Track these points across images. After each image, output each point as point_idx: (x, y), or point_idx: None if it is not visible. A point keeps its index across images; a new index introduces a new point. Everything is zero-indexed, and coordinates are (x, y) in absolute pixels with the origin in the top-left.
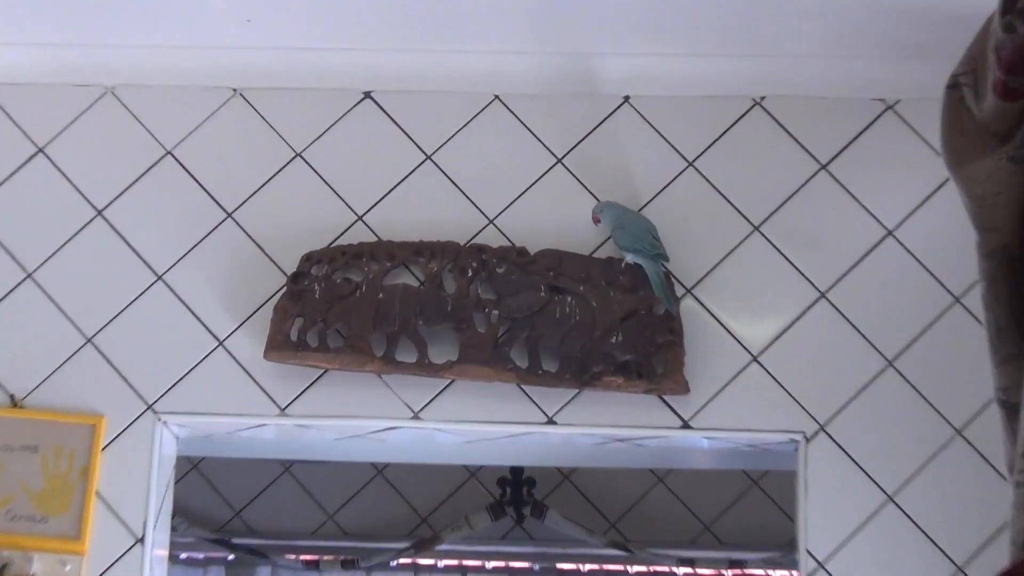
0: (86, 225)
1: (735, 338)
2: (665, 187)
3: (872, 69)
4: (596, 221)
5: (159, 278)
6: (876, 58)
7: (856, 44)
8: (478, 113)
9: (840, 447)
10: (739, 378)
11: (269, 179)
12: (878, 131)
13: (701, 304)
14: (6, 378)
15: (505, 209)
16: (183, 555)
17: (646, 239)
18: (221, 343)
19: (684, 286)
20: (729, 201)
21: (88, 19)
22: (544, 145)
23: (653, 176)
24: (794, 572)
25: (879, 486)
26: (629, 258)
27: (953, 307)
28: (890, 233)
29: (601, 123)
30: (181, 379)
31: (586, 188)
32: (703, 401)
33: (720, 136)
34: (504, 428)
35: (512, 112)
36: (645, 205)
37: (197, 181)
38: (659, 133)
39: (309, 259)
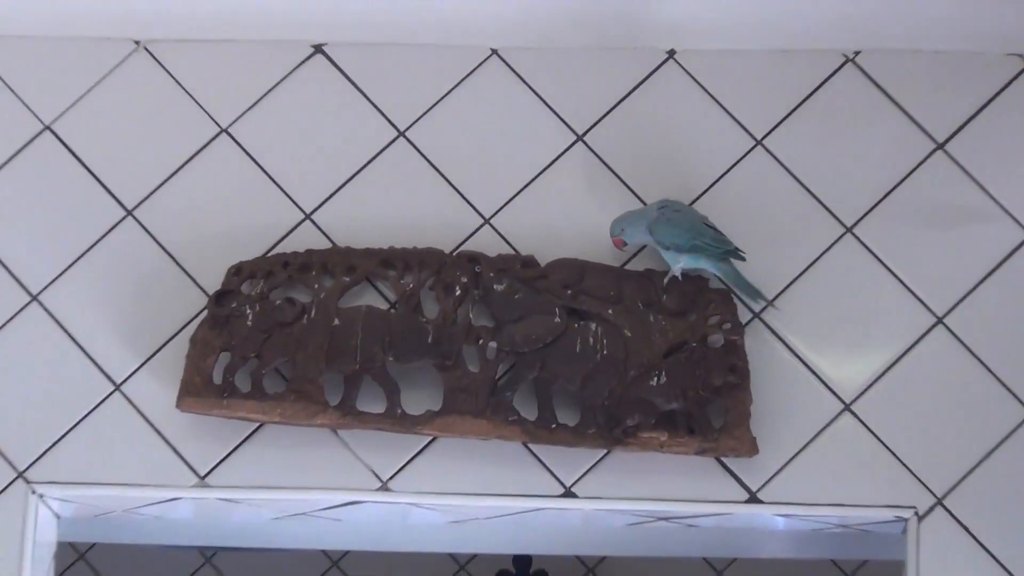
0: None
1: (820, 379)
2: (723, 175)
3: (1005, 15)
4: (620, 245)
5: (33, 299)
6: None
7: None
8: (469, 74)
9: (964, 527)
10: (826, 434)
11: (184, 164)
12: (1013, 97)
13: (774, 333)
14: None
15: (506, 204)
16: None
17: (705, 232)
18: (117, 387)
19: (750, 309)
20: (811, 193)
21: None
22: (559, 118)
23: (707, 159)
24: None
25: None
26: (680, 266)
27: None
28: None
29: (636, 88)
30: (63, 437)
31: (616, 176)
32: (777, 466)
33: (799, 105)
34: (505, 503)
35: (515, 72)
36: (696, 199)
37: (85, 166)
38: (716, 101)
39: (239, 273)
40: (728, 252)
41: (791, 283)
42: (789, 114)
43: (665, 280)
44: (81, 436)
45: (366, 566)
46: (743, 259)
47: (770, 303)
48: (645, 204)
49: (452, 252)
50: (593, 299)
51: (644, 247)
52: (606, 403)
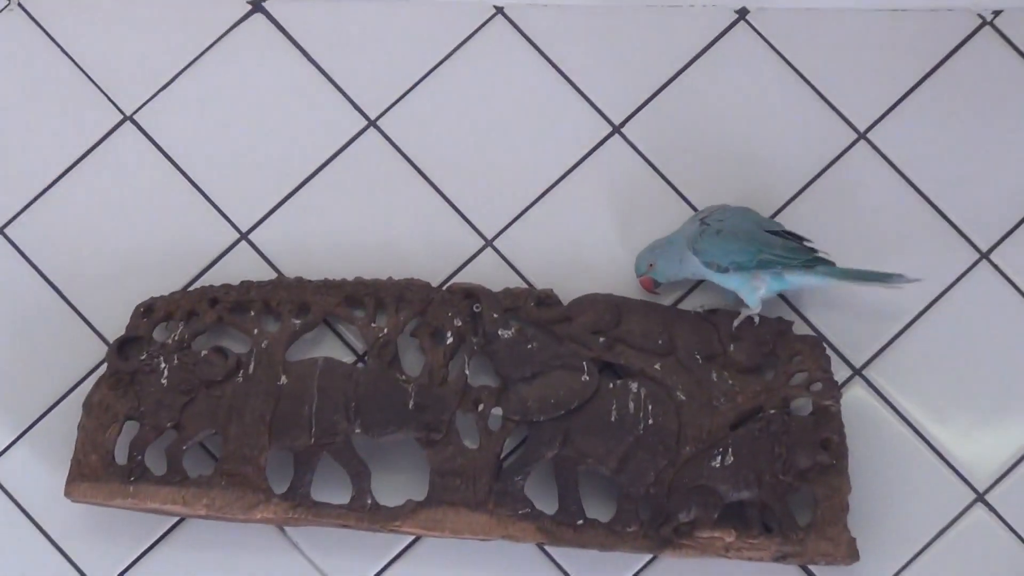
0: None
1: (943, 459)
2: (814, 179)
3: None
4: (651, 287)
5: None
6: None
7: None
8: (464, 41)
9: None
10: (951, 534)
11: (72, 165)
12: None
13: (878, 395)
14: None
15: (515, 220)
16: None
17: (771, 242)
18: None
19: (849, 363)
20: (934, 207)
21: None
22: (588, 102)
23: (790, 159)
24: None
25: None
26: (760, 294)
27: None
28: None
29: (695, 60)
30: None
31: (666, 180)
32: None
33: (919, 83)
34: None
35: (527, 39)
36: (777, 213)
37: None
38: (802, 77)
39: (149, 313)
40: (811, 260)
41: (907, 327)
42: (903, 97)
43: (736, 323)
44: None
45: None
46: (832, 266)
47: (911, 280)
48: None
49: (442, 285)
50: (634, 350)
51: (699, 282)
52: (652, 491)
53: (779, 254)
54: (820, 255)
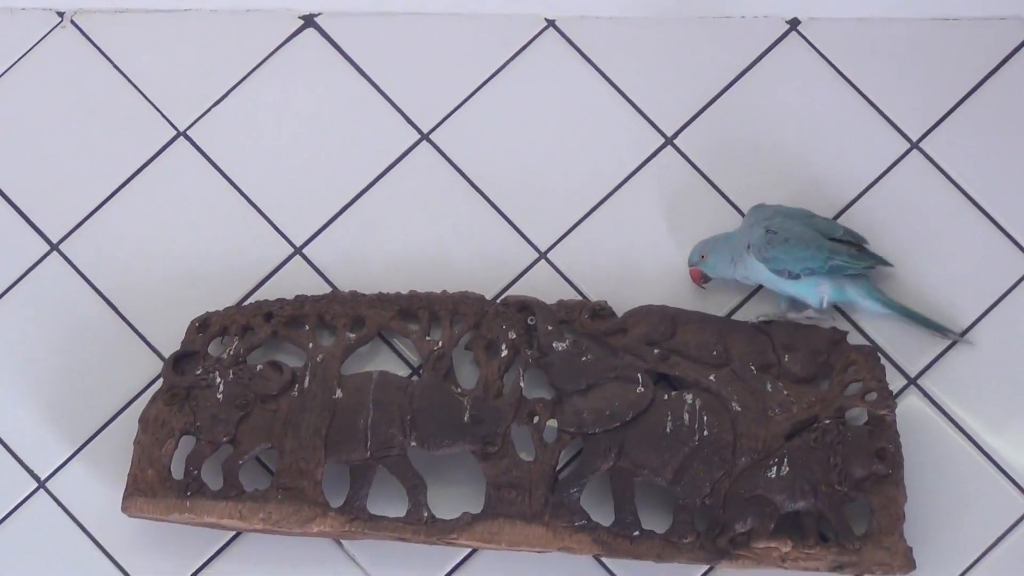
0: None
1: (1000, 468)
2: (867, 189)
3: None
4: (699, 279)
5: None
6: None
7: None
8: (517, 53)
9: None
10: (1007, 543)
11: (130, 179)
12: None
13: (934, 404)
14: None
15: (568, 232)
16: None
17: (838, 249)
18: (42, 484)
19: (904, 373)
20: (988, 216)
21: None
22: (640, 112)
23: (844, 169)
24: None
25: None
26: (826, 297)
27: None
28: None
29: (747, 71)
30: None
31: (719, 192)
32: None
33: (972, 92)
34: None
35: (578, 51)
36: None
37: None
38: (854, 87)
39: (205, 328)
40: (871, 264)
41: (962, 335)
42: (956, 106)
43: (805, 317)
44: None
45: None
46: (890, 264)
47: (959, 337)
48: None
49: (496, 298)
50: (689, 361)
51: (759, 289)
52: (707, 502)
53: (845, 260)
54: (870, 261)
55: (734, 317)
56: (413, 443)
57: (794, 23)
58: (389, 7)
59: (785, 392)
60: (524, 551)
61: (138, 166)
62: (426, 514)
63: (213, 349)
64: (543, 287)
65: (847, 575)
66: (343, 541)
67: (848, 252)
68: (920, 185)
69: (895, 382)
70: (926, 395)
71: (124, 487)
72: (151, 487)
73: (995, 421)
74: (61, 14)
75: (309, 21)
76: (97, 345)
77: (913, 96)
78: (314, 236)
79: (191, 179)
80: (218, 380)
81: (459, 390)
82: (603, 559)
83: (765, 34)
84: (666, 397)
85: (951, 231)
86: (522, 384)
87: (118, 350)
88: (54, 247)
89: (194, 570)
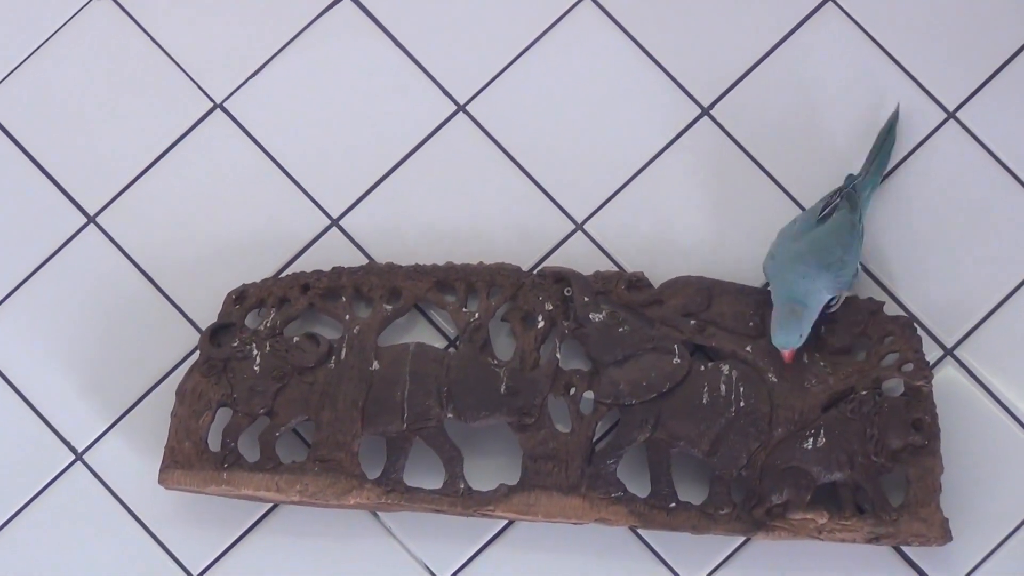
0: None
1: None
2: (904, 159)
3: None
4: (792, 358)
5: None
6: None
7: None
8: (553, 24)
9: None
10: None
11: (163, 153)
12: None
13: (971, 375)
14: None
15: (605, 203)
16: None
17: (831, 264)
18: (79, 457)
19: (940, 343)
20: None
21: None
22: (677, 84)
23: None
24: None
25: None
26: (849, 284)
27: None
28: None
29: (783, 41)
30: (5, 525)
31: (756, 164)
32: (977, 557)
33: (1009, 61)
34: None
35: (614, 21)
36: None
37: (29, 155)
38: (890, 56)
39: (241, 300)
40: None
41: (1001, 304)
42: (993, 76)
43: (834, 302)
44: (30, 523)
45: None
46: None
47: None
48: (794, 200)
49: (532, 269)
50: (726, 332)
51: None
52: (743, 474)
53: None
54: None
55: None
56: (449, 415)
57: None
58: None
59: (822, 363)
60: (560, 523)
61: (175, 138)
62: (462, 486)
63: (250, 321)
64: (579, 258)
65: (883, 546)
66: (379, 513)
67: (836, 240)
68: (957, 156)
69: (931, 353)
70: (963, 366)
71: (161, 459)
72: (188, 459)
73: None
74: None
75: None
76: (134, 318)
77: (950, 65)
78: (351, 208)
79: (228, 151)
80: (255, 352)
81: (495, 362)
82: (639, 531)
83: (802, 3)
84: (702, 368)
85: (988, 202)
86: (558, 355)
87: (155, 322)
88: (91, 219)
89: (231, 542)
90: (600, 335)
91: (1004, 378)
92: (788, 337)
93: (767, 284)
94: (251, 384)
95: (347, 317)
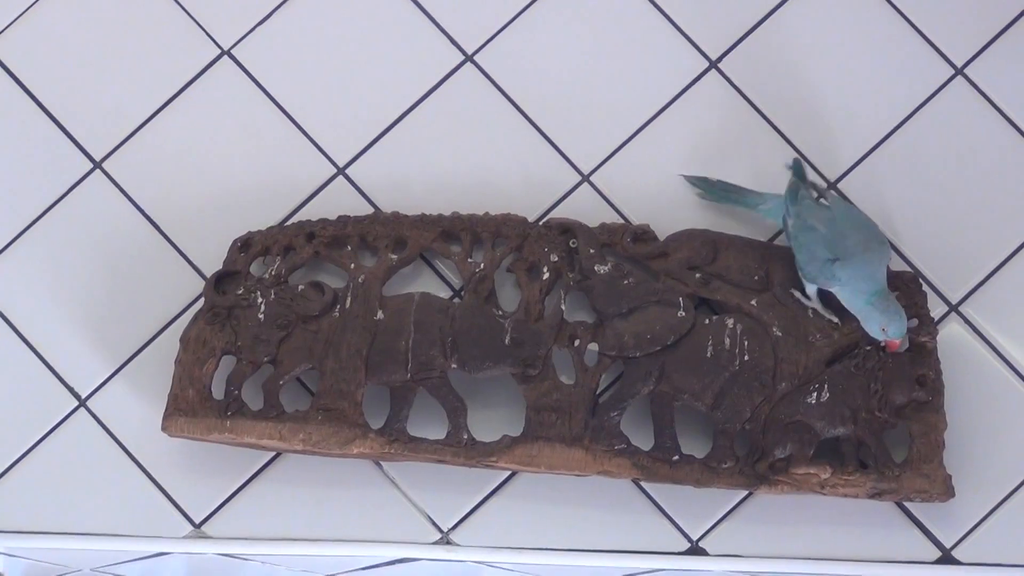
0: None
1: None
2: (910, 115)
3: None
4: (896, 346)
5: None
6: None
7: None
8: None
9: None
10: None
11: (173, 97)
12: None
13: (975, 331)
14: None
15: (612, 155)
16: None
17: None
18: (82, 403)
19: (945, 299)
20: None
21: None
22: (685, 36)
23: (886, 95)
24: None
25: None
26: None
27: None
28: None
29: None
30: (7, 471)
31: (764, 118)
32: (980, 513)
33: (1018, 17)
34: (609, 562)
35: None
36: (872, 150)
37: (36, 100)
38: (899, 12)
39: (247, 248)
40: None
41: (1005, 261)
42: (1001, 32)
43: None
44: (33, 469)
45: None
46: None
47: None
48: (801, 154)
49: (538, 220)
50: (730, 286)
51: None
52: (747, 428)
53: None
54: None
55: (775, 243)
56: (454, 365)
57: None
58: None
59: (827, 318)
60: (563, 475)
61: (182, 85)
62: (466, 436)
63: (255, 269)
64: (585, 210)
65: (886, 502)
66: (382, 463)
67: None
68: (964, 112)
69: (936, 308)
70: (967, 322)
71: (164, 406)
72: (191, 407)
73: None
74: None
75: None
76: (139, 264)
77: (958, 20)
78: (357, 157)
79: (235, 98)
80: (260, 300)
81: (500, 312)
82: (642, 483)
83: None
84: (707, 322)
85: (995, 158)
86: (563, 307)
87: (160, 269)
88: (97, 165)
89: (234, 490)
90: (605, 287)
91: (1009, 335)
92: (904, 323)
93: (773, 239)
94: (255, 332)
95: (352, 266)
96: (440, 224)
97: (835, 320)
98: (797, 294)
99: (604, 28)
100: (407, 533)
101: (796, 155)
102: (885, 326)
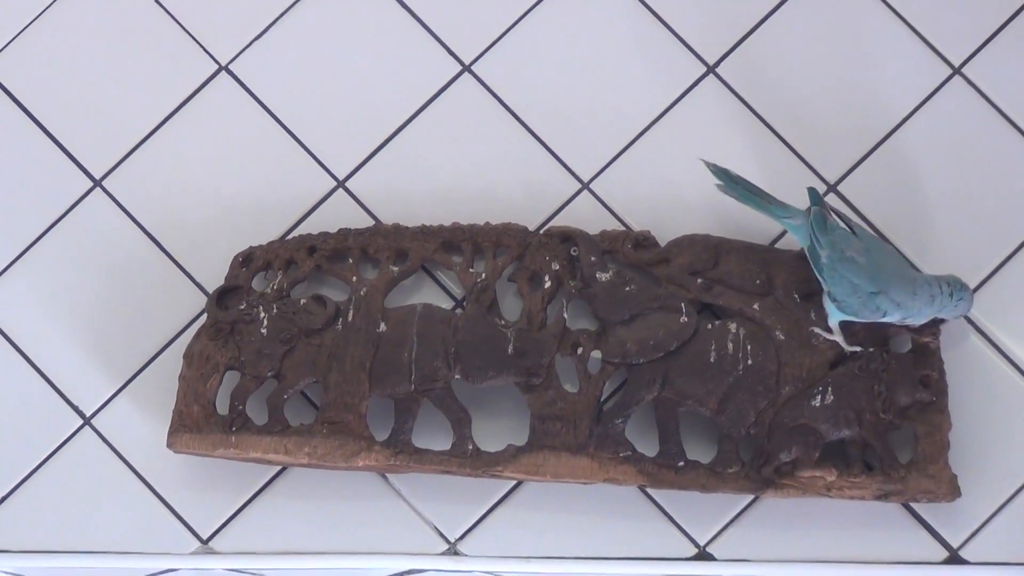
0: None
1: None
2: (909, 116)
3: None
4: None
5: None
6: None
7: None
8: None
9: None
10: None
11: (168, 116)
12: None
13: (979, 332)
14: None
15: (611, 163)
16: None
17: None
18: (87, 421)
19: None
20: None
21: None
22: (682, 42)
23: (884, 96)
24: None
25: None
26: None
27: None
28: None
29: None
30: (12, 491)
31: (762, 121)
32: (986, 513)
33: (1015, 16)
34: (617, 570)
35: None
36: (872, 151)
37: (34, 119)
38: (896, 13)
39: (248, 262)
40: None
41: (1007, 260)
42: (998, 31)
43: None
44: (39, 488)
45: None
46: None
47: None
48: (801, 158)
49: (539, 229)
50: (732, 290)
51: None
52: (752, 432)
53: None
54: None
55: (778, 247)
56: (457, 376)
57: None
58: None
59: (849, 350)
60: (569, 483)
61: (180, 101)
62: (471, 447)
63: (257, 284)
64: (586, 218)
65: (892, 503)
66: (388, 475)
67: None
68: (963, 112)
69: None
70: (970, 323)
71: (169, 423)
72: (196, 423)
73: None
74: None
75: None
76: (141, 281)
77: (955, 19)
78: (357, 169)
79: (234, 114)
80: (262, 315)
81: (503, 322)
82: (648, 490)
83: None
84: (709, 327)
85: (994, 157)
86: (566, 315)
87: (162, 286)
88: (97, 183)
89: (240, 505)
90: (607, 294)
91: (1011, 333)
92: (965, 289)
93: (774, 243)
94: (258, 347)
95: (354, 279)
96: (441, 235)
97: (858, 350)
98: (819, 331)
99: (601, 35)
100: (414, 544)
101: (811, 185)
102: (964, 310)
